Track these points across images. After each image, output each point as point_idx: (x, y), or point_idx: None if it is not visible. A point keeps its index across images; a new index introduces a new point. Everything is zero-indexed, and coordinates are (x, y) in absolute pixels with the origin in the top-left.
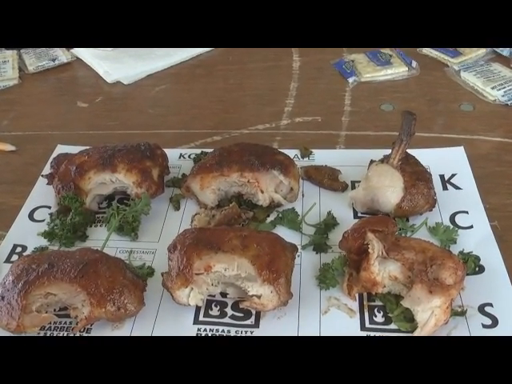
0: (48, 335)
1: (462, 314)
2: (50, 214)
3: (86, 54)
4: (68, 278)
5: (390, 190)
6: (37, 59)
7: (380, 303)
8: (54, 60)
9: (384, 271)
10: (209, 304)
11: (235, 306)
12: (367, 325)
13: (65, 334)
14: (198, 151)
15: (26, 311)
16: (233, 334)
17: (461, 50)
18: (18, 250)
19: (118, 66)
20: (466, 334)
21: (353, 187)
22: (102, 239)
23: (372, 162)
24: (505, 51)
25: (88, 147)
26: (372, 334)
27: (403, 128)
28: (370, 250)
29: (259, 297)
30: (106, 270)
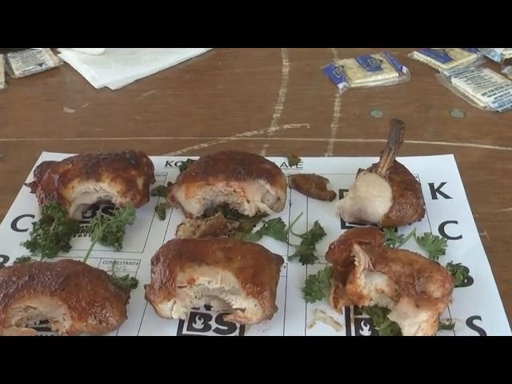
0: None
1: (450, 327)
2: (34, 224)
3: (74, 59)
4: (48, 291)
5: (378, 200)
6: (23, 63)
7: (367, 316)
8: (41, 65)
9: (370, 284)
10: (192, 317)
11: (219, 319)
12: None
13: None
14: (185, 159)
15: (4, 325)
16: None
17: (452, 55)
18: (0, 260)
19: (105, 71)
20: None
21: (341, 196)
22: (86, 249)
23: (360, 170)
24: (496, 57)
25: (73, 155)
26: None
27: (391, 136)
28: (356, 263)
29: (243, 310)
30: (87, 282)
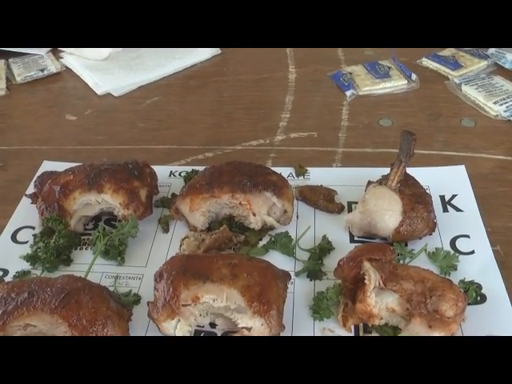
0: None
1: None
2: (34, 236)
3: (76, 64)
4: (48, 308)
5: (388, 214)
6: (25, 69)
7: (377, 335)
8: (42, 70)
9: (381, 303)
10: (197, 335)
11: None
12: None
13: None
14: (189, 169)
15: None
16: None
17: (461, 62)
18: None
19: (108, 77)
20: None
21: (349, 208)
22: (87, 263)
23: (369, 183)
24: (507, 64)
25: (75, 164)
26: None
27: (402, 149)
28: (366, 281)
29: (249, 329)
30: (88, 300)
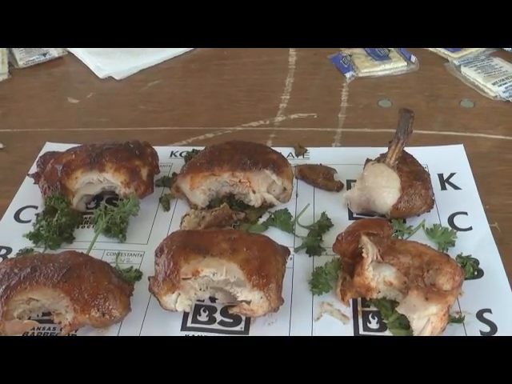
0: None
1: (460, 320)
2: (37, 215)
3: (78, 49)
4: (51, 282)
5: (387, 191)
6: (27, 54)
7: (375, 309)
8: (44, 55)
9: (379, 276)
10: (197, 309)
11: (224, 312)
12: (361, 331)
13: None
14: (190, 149)
15: (7, 317)
16: None
17: None
18: (3, 252)
19: (109, 61)
20: None
21: (348, 187)
22: (89, 241)
23: (368, 161)
24: None
25: (77, 145)
26: None
27: (400, 126)
28: (364, 255)
29: (249, 302)
30: (90, 274)
